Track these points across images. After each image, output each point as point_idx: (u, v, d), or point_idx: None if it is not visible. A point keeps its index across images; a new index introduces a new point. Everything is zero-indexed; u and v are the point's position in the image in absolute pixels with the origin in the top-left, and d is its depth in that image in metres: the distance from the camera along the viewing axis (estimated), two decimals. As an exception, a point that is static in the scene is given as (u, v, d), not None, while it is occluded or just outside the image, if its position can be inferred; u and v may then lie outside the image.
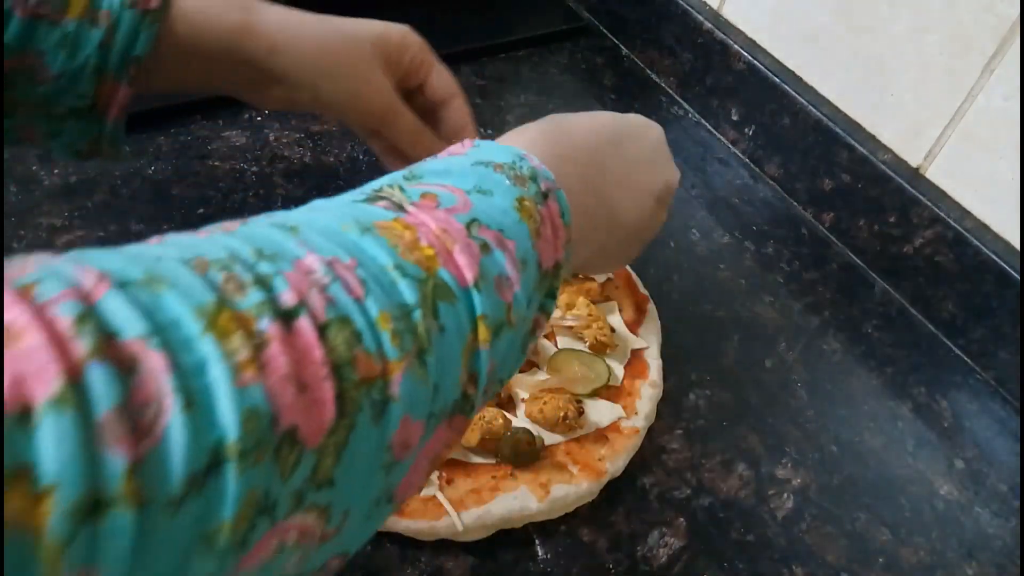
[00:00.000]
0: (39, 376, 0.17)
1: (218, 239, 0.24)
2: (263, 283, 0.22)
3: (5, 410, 0.17)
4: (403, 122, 0.48)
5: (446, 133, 0.51)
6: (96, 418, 0.18)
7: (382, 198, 0.30)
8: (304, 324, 0.22)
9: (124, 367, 0.18)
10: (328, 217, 0.27)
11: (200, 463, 0.19)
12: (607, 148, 0.41)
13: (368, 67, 0.46)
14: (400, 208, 0.29)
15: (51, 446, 0.17)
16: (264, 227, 0.26)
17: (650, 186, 0.43)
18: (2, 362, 0.17)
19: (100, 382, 0.18)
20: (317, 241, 0.25)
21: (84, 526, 0.17)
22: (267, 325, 0.21)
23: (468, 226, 0.29)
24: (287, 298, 0.22)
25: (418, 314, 0.26)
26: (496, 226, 0.30)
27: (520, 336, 0.31)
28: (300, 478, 0.22)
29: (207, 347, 0.20)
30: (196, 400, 0.19)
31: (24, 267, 0.19)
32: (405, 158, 0.49)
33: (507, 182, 0.32)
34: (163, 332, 0.19)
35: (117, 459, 0.18)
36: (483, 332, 0.28)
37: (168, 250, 0.23)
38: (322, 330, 0.22)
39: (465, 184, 0.31)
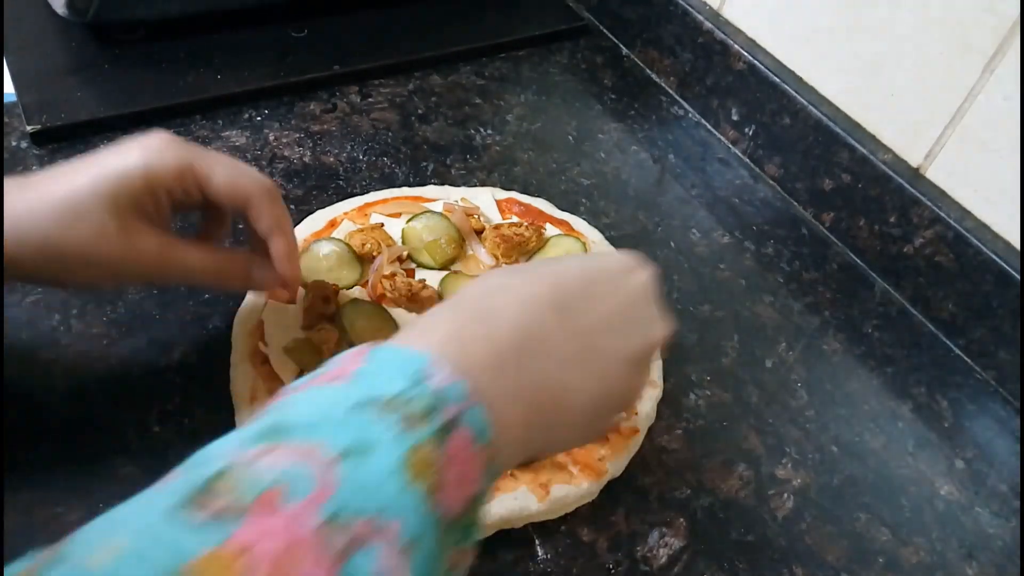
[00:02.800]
0: None
1: None
2: None
3: None
4: (186, 271, 0.43)
5: (262, 239, 0.45)
6: None
7: (214, 496, 0.24)
8: None
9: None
10: (129, 565, 0.22)
11: None
12: (551, 321, 0.35)
13: (111, 238, 0.40)
14: (235, 513, 0.23)
15: None
16: None
17: (619, 352, 0.37)
18: None
19: None
20: None
21: None
22: None
23: (328, 522, 0.24)
24: None
25: None
26: (371, 510, 0.25)
27: None
28: None
29: None
30: None
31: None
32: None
33: (394, 430, 0.27)
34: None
35: None
36: None
37: None
38: None
39: (337, 443, 0.26)
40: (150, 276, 0.43)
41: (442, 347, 0.31)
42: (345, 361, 0.30)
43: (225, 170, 0.43)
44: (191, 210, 0.45)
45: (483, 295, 0.36)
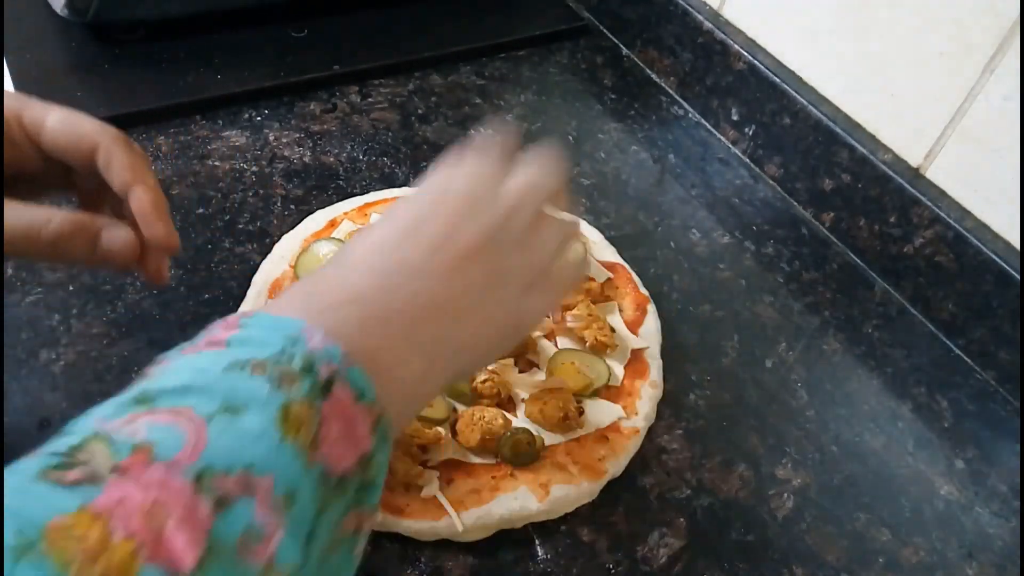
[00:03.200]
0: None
1: None
2: None
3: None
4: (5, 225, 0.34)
5: (116, 201, 0.38)
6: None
7: (77, 464, 0.24)
8: None
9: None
10: None
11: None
12: (417, 261, 0.35)
13: None
14: (95, 480, 0.23)
15: None
16: None
17: (501, 271, 0.37)
18: None
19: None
20: None
21: None
22: None
23: (198, 479, 0.24)
24: None
25: None
26: (241, 465, 0.25)
27: (323, 566, 0.27)
28: None
29: None
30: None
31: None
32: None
33: (267, 388, 0.27)
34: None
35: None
36: None
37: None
38: None
39: (208, 403, 0.26)
40: None
41: (316, 314, 0.31)
42: (218, 328, 0.30)
43: (61, 114, 0.36)
44: (22, 172, 0.37)
45: (344, 253, 0.36)
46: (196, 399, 0.26)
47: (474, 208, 0.37)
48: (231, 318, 0.30)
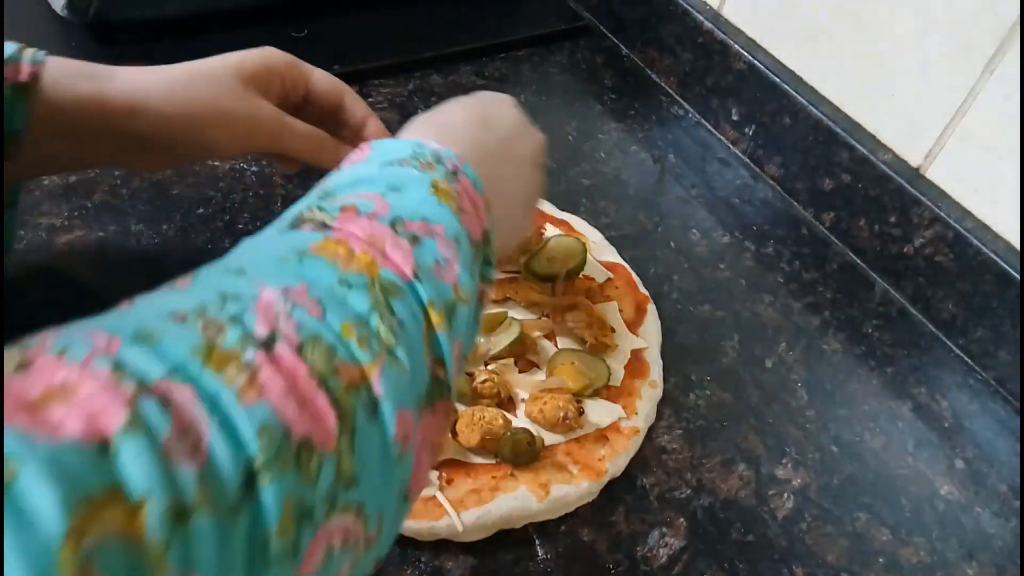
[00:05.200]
0: (106, 412, 0.20)
1: (183, 294, 0.26)
2: (236, 321, 0.24)
3: (86, 444, 0.19)
4: (295, 137, 0.49)
5: (351, 132, 0.52)
6: (161, 439, 0.20)
7: (306, 221, 0.31)
8: (283, 349, 0.24)
9: (163, 400, 0.21)
10: (266, 253, 0.29)
11: (238, 477, 0.21)
12: (480, 126, 0.42)
13: (237, 98, 0.46)
14: (325, 227, 0.30)
15: (135, 466, 0.19)
16: (216, 275, 0.27)
17: (524, 153, 0.45)
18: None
19: (153, 413, 0.21)
20: (266, 276, 0.27)
21: (176, 530, 0.20)
22: (252, 355, 0.24)
23: (392, 225, 0.31)
24: (260, 330, 0.24)
25: (375, 318, 0.27)
26: (419, 217, 0.32)
27: (472, 309, 0.33)
28: (326, 481, 0.24)
29: (212, 380, 0.22)
30: (222, 422, 0.22)
31: (44, 341, 0.22)
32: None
33: (416, 172, 0.34)
34: (177, 372, 0.22)
35: (187, 471, 0.20)
36: (435, 317, 0.30)
37: (143, 310, 0.26)
38: (299, 350, 0.25)
39: (377, 187, 0.33)
40: (265, 139, 0.48)
41: (422, 137, 0.37)
42: (355, 154, 0.36)
43: (321, 71, 0.51)
44: (288, 106, 0.50)
45: (432, 117, 0.43)
46: (367, 185, 0.33)
47: (523, 128, 0.46)
48: (360, 147, 0.37)
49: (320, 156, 0.51)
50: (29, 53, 0.42)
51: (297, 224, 0.31)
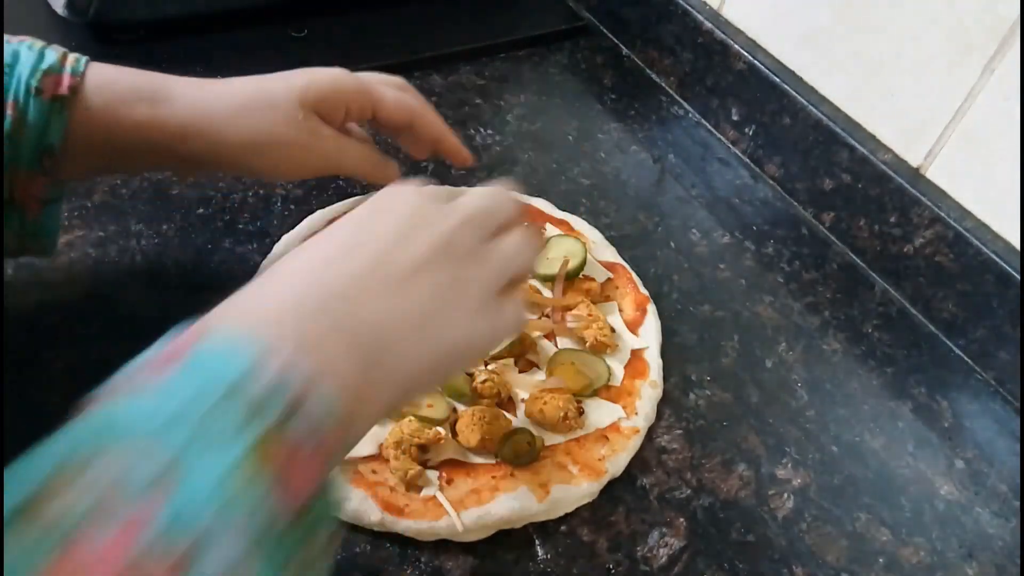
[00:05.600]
0: None
1: None
2: None
3: None
4: (352, 162, 0.49)
5: (421, 149, 0.53)
6: None
7: (37, 518, 0.23)
8: None
9: None
10: None
11: None
12: (366, 278, 0.34)
13: (296, 127, 0.46)
14: (69, 526, 0.22)
15: None
16: None
17: (403, 269, 0.35)
18: None
19: None
20: None
21: None
22: None
23: (167, 529, 0.23)
24: None
25: None
26: (206, 517, 0.24)
27: None
28: None
29: None
30: None
31: None
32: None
33: (229, 425, 0.26)
34: None
35: None
36: None
37: None
38: None
39: (169, 444, 0.25)
40: (326, 162, 0.47)
41: (271, 331, 0.30)
42: (180, 341, 0.29)
43: (392, 91, 0.50)
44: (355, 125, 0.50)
45: (282, 264, 0.34)
46: (156, 436, 0.25)
47: (419, 220, 0.36)
48: (185, 336, 0.29)
49: (377, 177, 0.50)
50: (71, 62, 0.41)
51: (28, 508, 0.23)
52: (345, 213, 0.59)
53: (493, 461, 0.48)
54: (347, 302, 0.32)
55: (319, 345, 0.30)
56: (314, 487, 0.28)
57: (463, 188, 0.48)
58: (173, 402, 0.26)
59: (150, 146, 0.43)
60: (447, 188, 0.47)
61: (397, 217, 0.36)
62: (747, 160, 0.76)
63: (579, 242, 0.60)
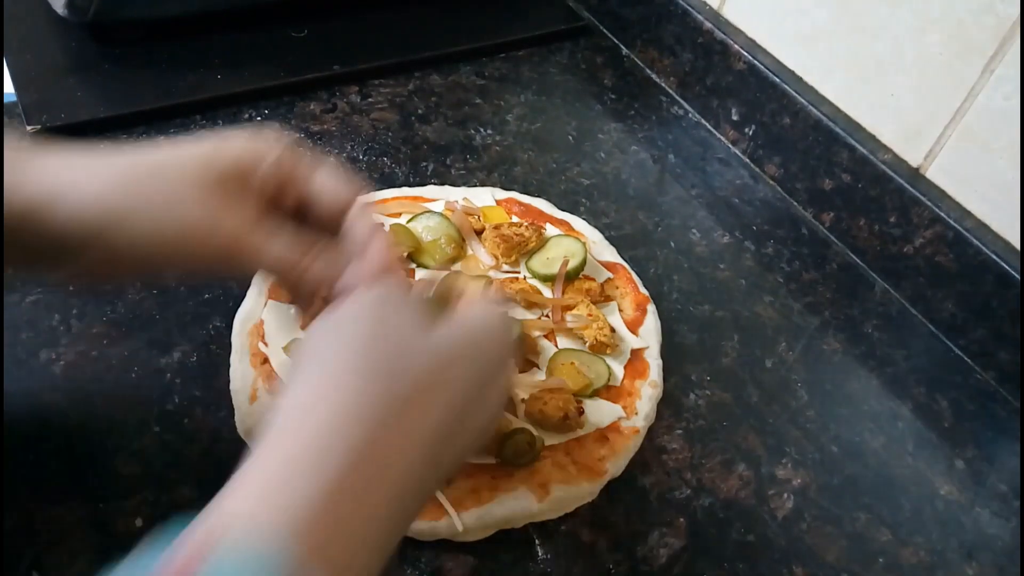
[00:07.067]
0: None
1: None
2: None
3: None
4: (255, 256, 0.37)
5: (358, 244, 0.40)
6: None
7: None
8: None
9: None
10: None
11: None
12: (389, 442, 0.31)
13: (190, 203, 0.35)
14: None
15: None
16: None
17: (471, 427, 0.34)
18: None
19: None
20: None
21: None
22: None
23: None
24: None
25: None
26: None
27: None
28: None
29: None
30: None
31: None
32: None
33: None
34: None
35: None
36: None
37: None
38: None
39: None
40: (219, 261, 0.36)
41: (295, 533, 0.27)
42: (184, 557, 0.25)
43: (328, 178, 0.40)
44: (279, 212, 0.40)
45: (276, 434, 0.30)
46: None
47: (475, 400, 0.34)
48: (190, 553, 0.25)
49: (293, 286, 0.40)
50: None
51: None
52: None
53: (493, 461, 0.48)
54: (363, 492, 0.29)
55: (340, 552, 0.28)
56: None
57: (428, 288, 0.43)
58: None
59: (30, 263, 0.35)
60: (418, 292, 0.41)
61: (462, 379, 0.34)
62: (747, 160, 0.76)
63: (579, 242, 0.60)
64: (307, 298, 0.40)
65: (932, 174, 0.64)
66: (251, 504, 0.27)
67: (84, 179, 0.34)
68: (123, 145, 0.37)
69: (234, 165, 0.37)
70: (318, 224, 0.40)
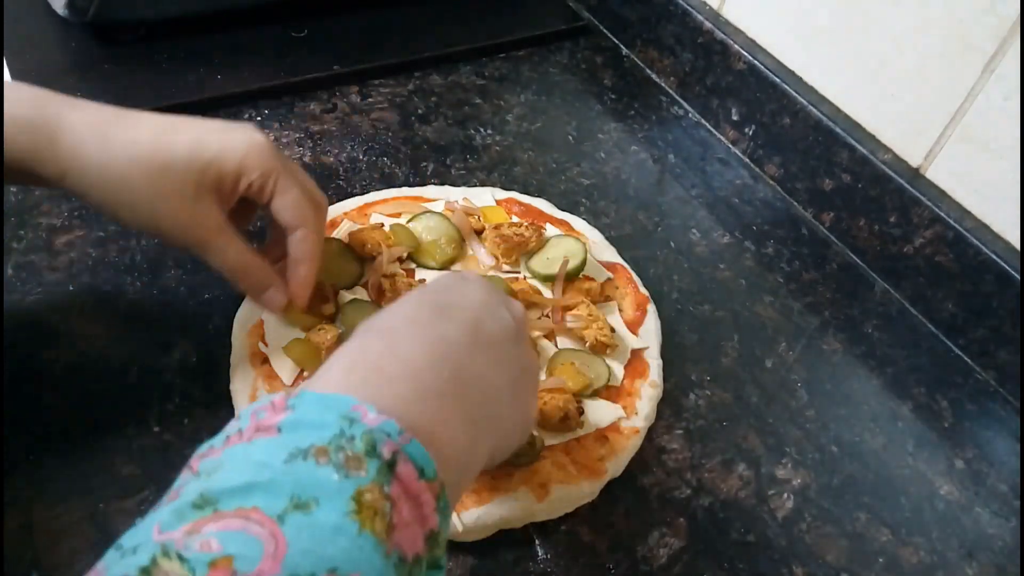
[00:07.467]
0: None
1: None
2: None
3: None
4: (224, 257, 0.45)
5: (291, 260, 0.48)
6: None
7: None
8: None
9: None
10: None
11: None
12: (438, 315, 0.37)
13: (183, 204, 0.43)
14: None
15: None
16: None
17: (495, 334, 0.38)
18: None
19: None
20: None
21: None
22: None
23: None
24: None
25: None
26: (325, 567, 0.24)
27: None
28: None
29: None
30: None
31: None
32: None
33: (335, 476, 0.26)
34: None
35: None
36: None
37: None
38: None
39: (277, 504, 0.25)
40: (194, 247, 0.45)
41: (365, 388, 0.31)
42: (266, 412, 0.29)
43: (297, 195, 0.46)
44: (246, 205, 0.47)
45: (378, 323, 0.36)
46: (263, 497, 0.25)
47: (493, 306, 0.40)
48: (277, 400, 0.29)
49: (243, 288, 0.48)
50: None
51: None
52: (344, 214, 0.59)
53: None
54: (446, 361, 0.34)
55: (415, 402, 0.32)
56: (423, 537, 0.28)
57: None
58: (267, 471, 0.26)
59: (32, 175, 0.42)
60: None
61: (480, 288, 0.41)
62: (747, 160, 0.76)
63: (579, 242, 0.60)
64: (255, 293, 0.48)
65: (932, 174, 0.64)
66: (326, 377, 0.33)
67: (93, 169, 0.41)
68: (140, 119, 0.43)
69: (232, 174, 0.44)
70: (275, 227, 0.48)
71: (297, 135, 0.69)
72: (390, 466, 0.27)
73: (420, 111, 0.74)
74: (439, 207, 0.61)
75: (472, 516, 0.45)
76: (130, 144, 0.42)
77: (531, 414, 0.42)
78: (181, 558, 0.23)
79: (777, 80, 0.71)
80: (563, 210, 0.66)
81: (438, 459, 0.30)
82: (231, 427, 0.29)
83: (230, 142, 0.44)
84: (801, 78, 0.71)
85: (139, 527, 0.25)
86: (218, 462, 0.27)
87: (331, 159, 0.68)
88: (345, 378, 0.32)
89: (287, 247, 0.47)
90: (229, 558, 0.23)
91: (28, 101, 0.42)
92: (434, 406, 0.32)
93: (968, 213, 0.61)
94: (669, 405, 0.55)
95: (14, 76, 0.67)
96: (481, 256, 0.59)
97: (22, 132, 0.41)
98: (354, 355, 0.34)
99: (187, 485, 0.26)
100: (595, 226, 0.65)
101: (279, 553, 0.23)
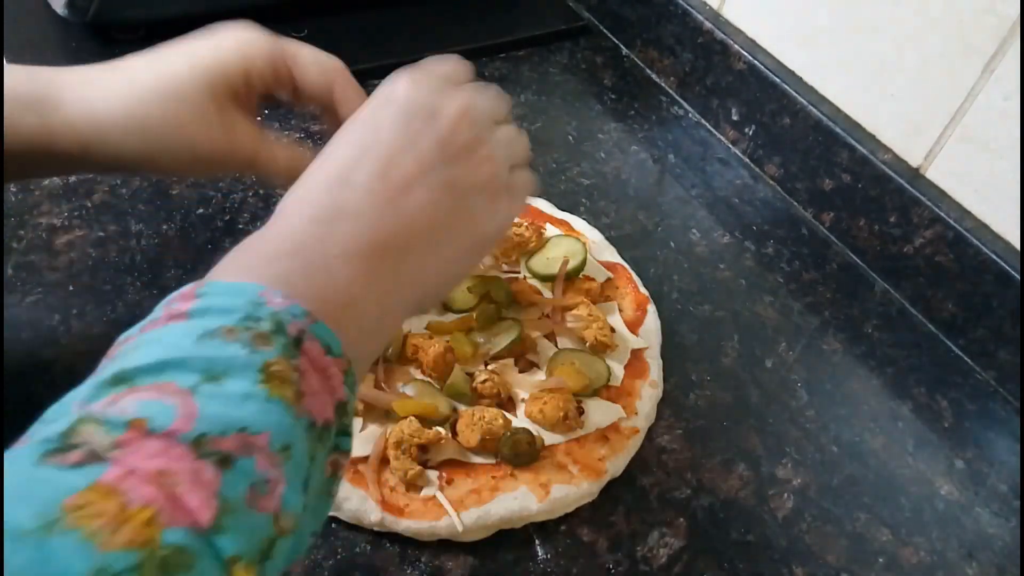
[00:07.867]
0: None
1: None
2: None
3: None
4: (276, 164, 0.43)
5: (340, 103, 0.45)
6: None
7: (74, 447, 0.24)
8: None
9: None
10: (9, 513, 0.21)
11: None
12: (340, 185, 0.35)
13: (208, 123, 0.40)
14: (97, 458, 0.23)
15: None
16: None
17: (411, 176, 0.36)
18: None
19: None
20: None
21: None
22: None
23: (195, 445, 0.25)
24: None
25: None
26: (236, 426, 0.26)
27: (308, 522, 0.28)
28: None
29: None
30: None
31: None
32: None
33: (244, 352, 0.27)
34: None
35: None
36: (243, 573, 0.24)
37: None
38: None
39: (189, 378, 0.26)
40: (241, 166, 0.43)
41: (266, 273, 0.31)
42: (176, 301, 0.30)
43: (310, 52, 0.44)
44: (273, 99, 0.45)
45: (282, 203, 0.36)
46: (175, 373, 0.26)
47: (411, 129, 0.37)
48: (186, 289, 0.30)
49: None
50: None
51: (63, 449, 0.24)
52: None
53: (493, 461, 0.48)
54: (334, 233, 0.34)
55: (308, 280, 0.32)
56: (332, 406, 0.30)
57: (455, 69, 0.42)
58: (179, 350, 0.27)
59: (52, 155, 0.40)
60: (443, 72, 0.41)
61: (400, 113, 0.37)
62: (747, 160, 0.76)
63: (579, 242, 0.60)
64: None
65: (932, 174, 0.64)
66: (239, 259, 0.33)
67: (117, 111, 0.39)
68: (125, 62, 0.41)
69: (240, 74, 0.41)
70: (310, 100, 0.44)
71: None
72: (296, 343, 0.29)
73: (420, 111, 0.74)
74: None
75: (472, 516, 0.45)
76: (130, 84, 0.40)
77: (475, 238, 0.39)
78: (99, 421, 0.24)
79: (777, 80, 0.71)
80: (563, 210, 0.66)
81: (344, 338, 0.31)
82: (146, 319, 0.30)
83: (221, 42, 0.42)
84: (801, 78, 0.71)
85: (60, 403, 0.27)
86: (133, 346, 0.28)
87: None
88: (245, 262, 0.33)
89: (338, 109, 0.44)
90: (144, 419, 0.25)
91: (12, 80, 0.39)
92: (326, 283, 0.32)
93: (968, 213, 0.61)
94: (669, 405, 0.55)
95: (14, 76, 0.67)
96: (481, 256, 0.59)
97: (26, 109, 0.39)
98: (255, 239, 0.34)
99: (104, 368, 0.28)
100: (595, 226, 0.65)
101: (191, 415, 0.25)
